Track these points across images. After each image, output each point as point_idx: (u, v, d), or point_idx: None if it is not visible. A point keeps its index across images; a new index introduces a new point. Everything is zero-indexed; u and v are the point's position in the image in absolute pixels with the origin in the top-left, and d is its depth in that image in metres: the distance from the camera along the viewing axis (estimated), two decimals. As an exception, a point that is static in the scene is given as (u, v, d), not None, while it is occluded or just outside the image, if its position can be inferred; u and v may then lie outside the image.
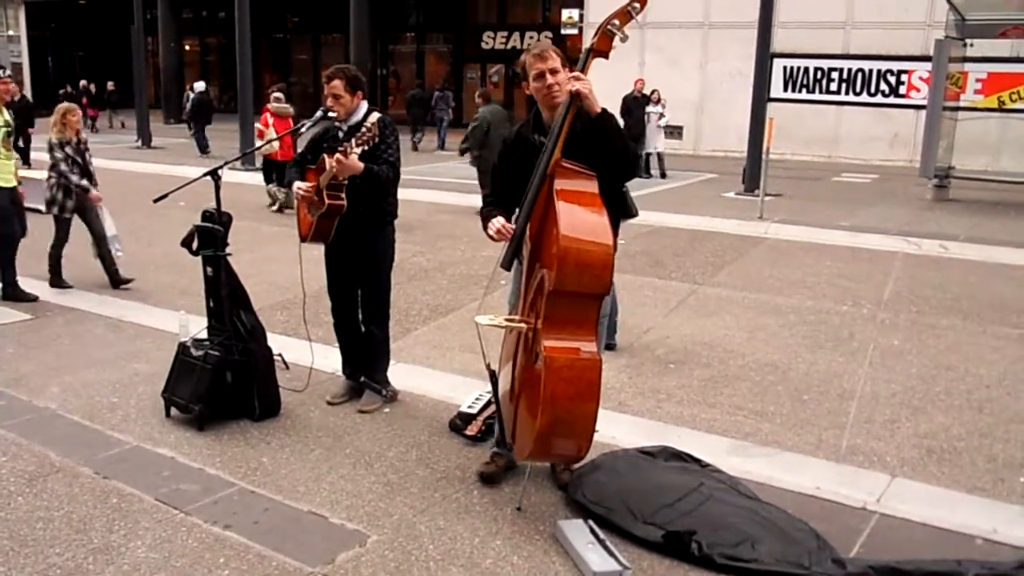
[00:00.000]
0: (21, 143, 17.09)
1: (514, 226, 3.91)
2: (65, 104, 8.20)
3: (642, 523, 3.77)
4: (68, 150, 7.80)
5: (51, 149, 7.83)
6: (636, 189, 16.12)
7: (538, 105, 4.06)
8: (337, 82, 4.90)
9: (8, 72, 7.54)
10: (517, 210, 3.97)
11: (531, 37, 28.36)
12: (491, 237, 4.02)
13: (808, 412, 5.32)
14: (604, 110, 3.82)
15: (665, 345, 6.57)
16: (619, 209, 4.19)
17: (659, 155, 17.24)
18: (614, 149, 3.85)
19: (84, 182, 7.85)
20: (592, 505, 3.93)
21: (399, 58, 33.85)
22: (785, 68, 20.94)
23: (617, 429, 4.87)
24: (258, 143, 13.18)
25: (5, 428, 4.88)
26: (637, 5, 3.74)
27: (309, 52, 35.35)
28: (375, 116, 4.90)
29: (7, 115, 7.52)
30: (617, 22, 3.73)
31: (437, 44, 33.05)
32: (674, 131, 20.28)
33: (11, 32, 39.26)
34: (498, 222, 3.95)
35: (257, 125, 13.48)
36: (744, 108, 15.75)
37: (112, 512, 3.96)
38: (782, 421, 5.18)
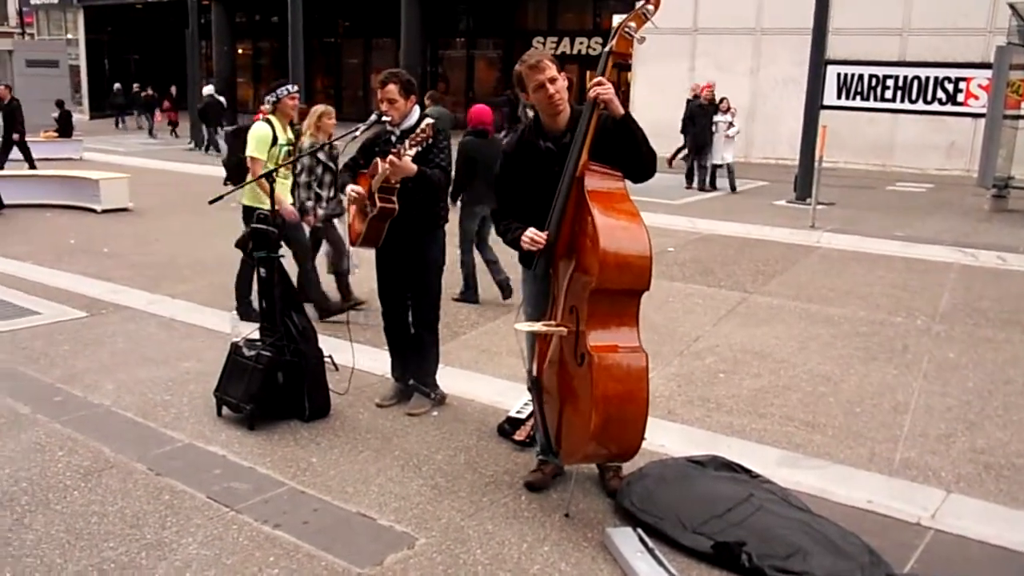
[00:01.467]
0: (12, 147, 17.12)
1: (546, 233, 3.88)
2: (322, 106, 7.64)
3: (691, 533, 3.74)
4: (321, 156, 7.31)
5: (301, 155, 7.20)
6: (685, 196, 15.97)
7: (539, 112, 4.06)
8: (392, 86, 4.92)
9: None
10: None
11: (581, 42, 28.35)
12: (520, 248, 4.01)
13: (860, 424, 5.23)
14: (627, 112, 3.82)
15: (715, 354, 6.51)
16: None
17: (729, 167, 16.10)
18: (639, 152, 3.86)
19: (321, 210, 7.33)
20: (641, 513, 3.90)
21: (449, 63, 33.99)
22: (839, 75, 20.72)
23: (666, 437, 4.83)
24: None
25: (61, 423, 4.98)
26: (651, 7, 3.77)
27: (360, 56, 35.67)
28: (428, 120, 4.93)
29: (290, 134, 7.00)
30: (633, 24, 3.76)
31: (487, 50, 33.13)
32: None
33: (70, 35, 40.36)
34: (531, 232, 3.90)
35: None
36: (796, 115, 15.46)
37: (165, 508, 4.02)
38: (834, 433, 5.10)
